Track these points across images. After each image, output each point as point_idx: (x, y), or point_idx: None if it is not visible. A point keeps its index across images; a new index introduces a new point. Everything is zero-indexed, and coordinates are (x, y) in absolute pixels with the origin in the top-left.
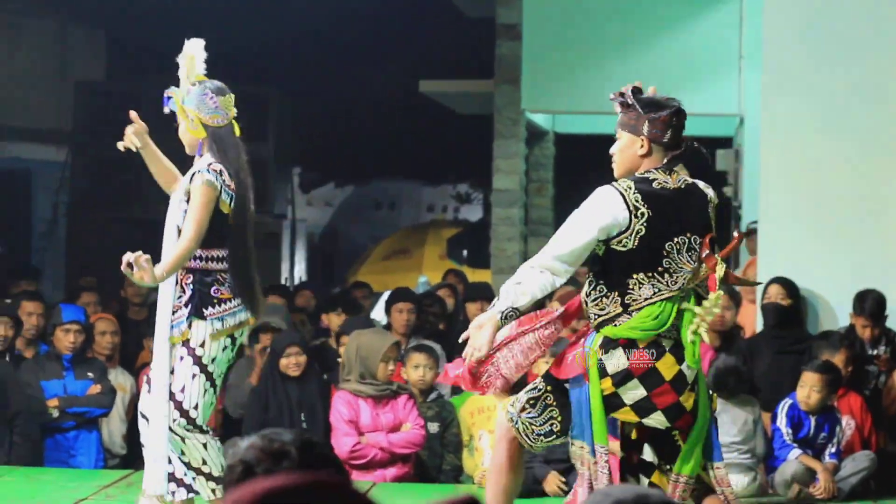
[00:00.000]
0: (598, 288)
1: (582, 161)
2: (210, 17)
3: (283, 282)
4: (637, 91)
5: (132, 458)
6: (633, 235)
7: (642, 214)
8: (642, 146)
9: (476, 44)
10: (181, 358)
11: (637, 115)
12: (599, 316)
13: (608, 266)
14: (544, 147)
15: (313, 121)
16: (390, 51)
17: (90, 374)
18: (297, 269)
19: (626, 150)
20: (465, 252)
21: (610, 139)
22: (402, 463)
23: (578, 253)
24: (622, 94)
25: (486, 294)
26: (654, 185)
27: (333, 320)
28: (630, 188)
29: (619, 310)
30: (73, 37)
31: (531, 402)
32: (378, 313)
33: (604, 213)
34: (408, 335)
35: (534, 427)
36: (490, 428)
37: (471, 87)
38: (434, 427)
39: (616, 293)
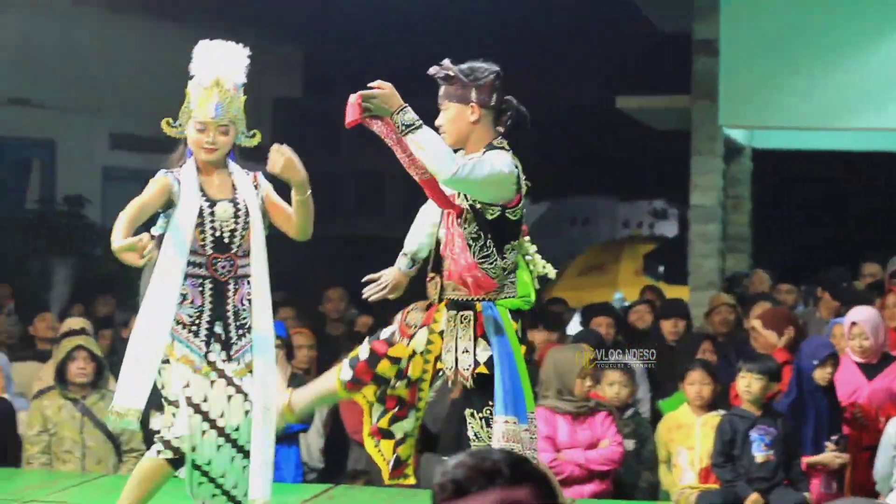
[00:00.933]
0: (486, 254)
1: (780, 177)
2: (402, 35)
3: None
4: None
5: (331, 471)
6: (520, 207)
7: (525, 186)
8: (472, 112)
9: (672, 59)
10: None
11: (463, 84)
12: (487, 283)
13: (496, 232)
14: (741, 163)
15: (508, 137)
16: (586, 67)
17: (291, 390)
18: None
19: (457, 119)
20: (661, 268)
21: (811, 155)
22: (599, 480)
23: (490, 184)
24: (443, 68)
25: (682, 311)
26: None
27: (536, 336)
28: (517, 165)
29: (503, 277)
30: (270, 54)
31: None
32: (574, 329)
33: (514, 176)
34: (607, 350)
35: None
36: (688, 444)
37: (667, 102)
38: (630, 444)
39: (500, 259)
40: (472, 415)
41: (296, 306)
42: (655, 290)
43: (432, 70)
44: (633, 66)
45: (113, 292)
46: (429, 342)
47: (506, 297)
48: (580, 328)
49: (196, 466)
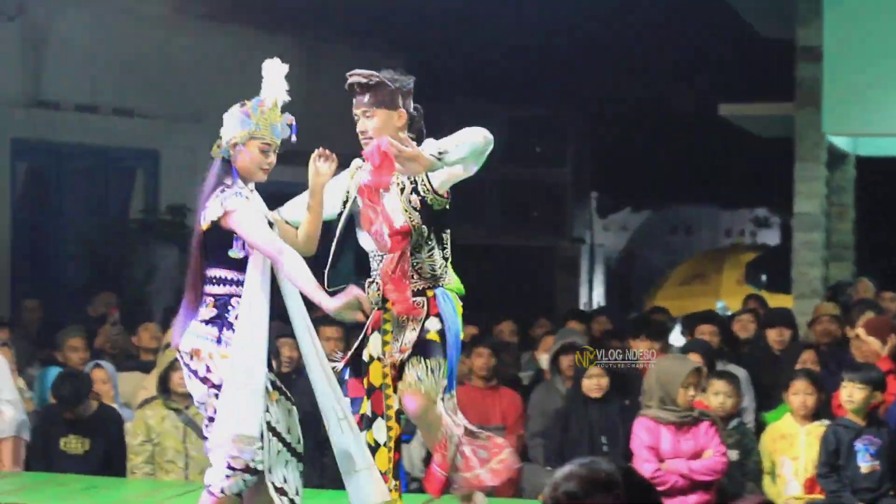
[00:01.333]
0: (430, 244)
1: (885, 184)
2: (508, 44)
3: (581, 307)
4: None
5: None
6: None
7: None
8: (399, 118)
9: (775, 66)
10: None
11: (391, 91)
12: (435, 271)
13: (440, 221)
14: (845, 170)
15: (611, 145)
16: (688, 74)
17: None
18: (594, 294)
19: (386, 125)
20: (763, 277)
21: None
22: (702, 490)
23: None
24: (369, 77)
25: (788, 320)
26: None
27: (639, 346)
28: None
29: (445, 265)
30: (372, 62)
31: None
32: (676, 338)
33: None
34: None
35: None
36: (792, 455)
37: (771, 110)
38: (734, 454)
39: (442, 250)
40: (418, 360)
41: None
42: (758, 299)
43: (357, 77)
44: (735, 73)
45: None
46: (384, 343)
47: (449, 284)
48: (681, 337)
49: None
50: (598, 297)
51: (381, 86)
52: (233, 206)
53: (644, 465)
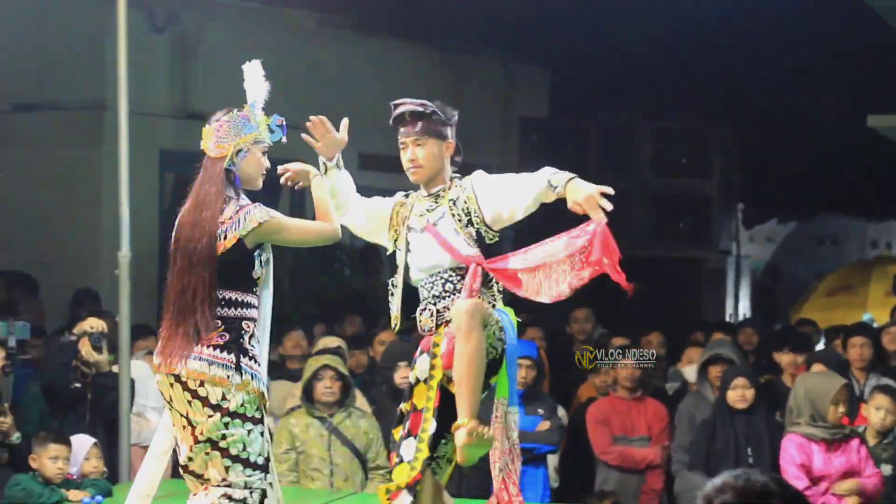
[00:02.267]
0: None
1: None
2: (653, 56)
3: (727, 318)
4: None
5: (564, 490)
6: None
7: None
8: (448, 148)
9: None
10: None
11: (441, 122)
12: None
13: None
14: None
15: (757, 156)
16: (836, 84)
17: (540, 411)
18: (740, 306)
19: (437, 155)
20: None
21: None
22: None
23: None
24: (423, 106)
25: None
26: None
27: (784, 358)
28: None
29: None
30: (517, 74)
31: None
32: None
33: None
34: (866, 370)
35: None
36: None
37: None
38: (888, 469)
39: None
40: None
41: (543, 327)
42: None
43: (410, 106)
44: (884, 83)
45: (360, 311)
46: (432, 367)
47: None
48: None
49: None
50: (744, 309)
51: (434, 115)
52: (269, 214)
53: (794, 483)
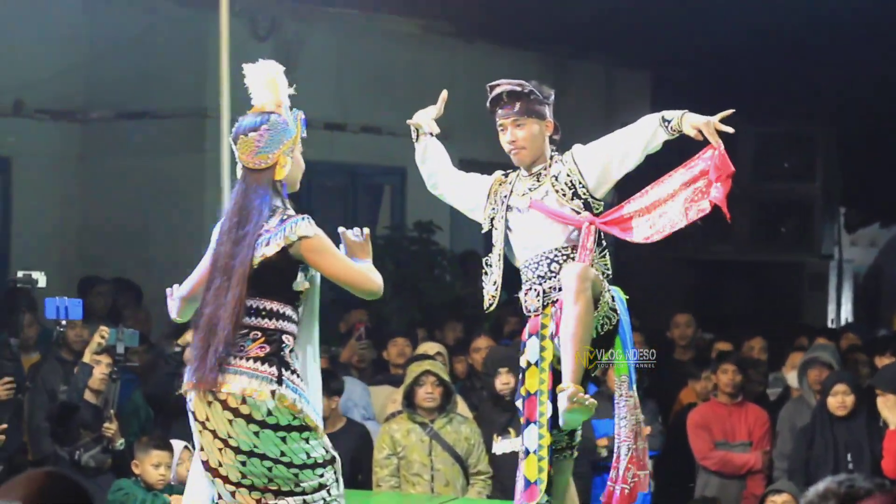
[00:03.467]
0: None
1: None
2: (754, 60)
3: (829, 323)
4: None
5: (661, 495)
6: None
7: None
8: (548, 128)
9: None
10: None
11: (540, 102)
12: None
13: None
14: None
15: (859, 160)
16: None
17: None
18: (843, 310)
19: (538, 135)
20: None
21: None
22: None
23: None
24: (521, 86)
25: None
26: None
27: (884, 362)
28: None
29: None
30: (618, 78)
31: None
32: None
33: None
34: None
35: None
36: None
37: None
38: None
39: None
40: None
41: (644, 332)
42: None
43: (509, 86)
44: None
45: (460, 318)
46: (542, 349)
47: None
48: None
49: None
50: (846, 314)
51: (532, 95)
52: (315, 230)
53: None
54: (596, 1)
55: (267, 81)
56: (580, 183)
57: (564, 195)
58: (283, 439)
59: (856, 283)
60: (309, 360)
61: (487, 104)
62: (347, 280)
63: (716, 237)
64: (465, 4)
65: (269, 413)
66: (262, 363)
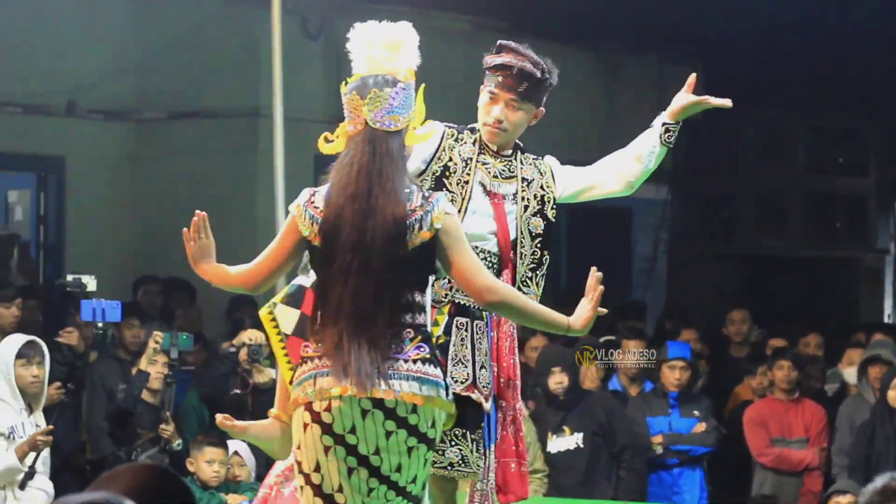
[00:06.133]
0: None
1: None
2: (809, 54)
3: (885, 318)
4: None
5: (717, 492)
6: None
7: None
8: (536, 117)
9: None
10: None
11: (542, 89)
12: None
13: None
14: None
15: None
16: None
17: (696, 413)
18: None
19: (523, 123)
20: None
21: None
22: None
23: None
24: (541, 70)
25: None
26: None
27: None
28: None
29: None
30: (669, 73)
31: None
32: None
33: None
34: None
35: None
36: None
37: None
38: None
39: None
40: (463, 435)
41: (698, 328)
42: None
43: (526, 65)
44: None
45: None
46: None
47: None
48: None
49: None
50: None
51: (542, 83)
52: (453, 209)
53: None
54: None
55: (391, 44)
56: (549, 201)
57: (527, 208)
58: (425, 462)
59: None
60: None
61: (489, 62)
62: (474, 271)
63: (770, 233)
64: (516, 0)
65: (433, 425)
66: (426, 364)
